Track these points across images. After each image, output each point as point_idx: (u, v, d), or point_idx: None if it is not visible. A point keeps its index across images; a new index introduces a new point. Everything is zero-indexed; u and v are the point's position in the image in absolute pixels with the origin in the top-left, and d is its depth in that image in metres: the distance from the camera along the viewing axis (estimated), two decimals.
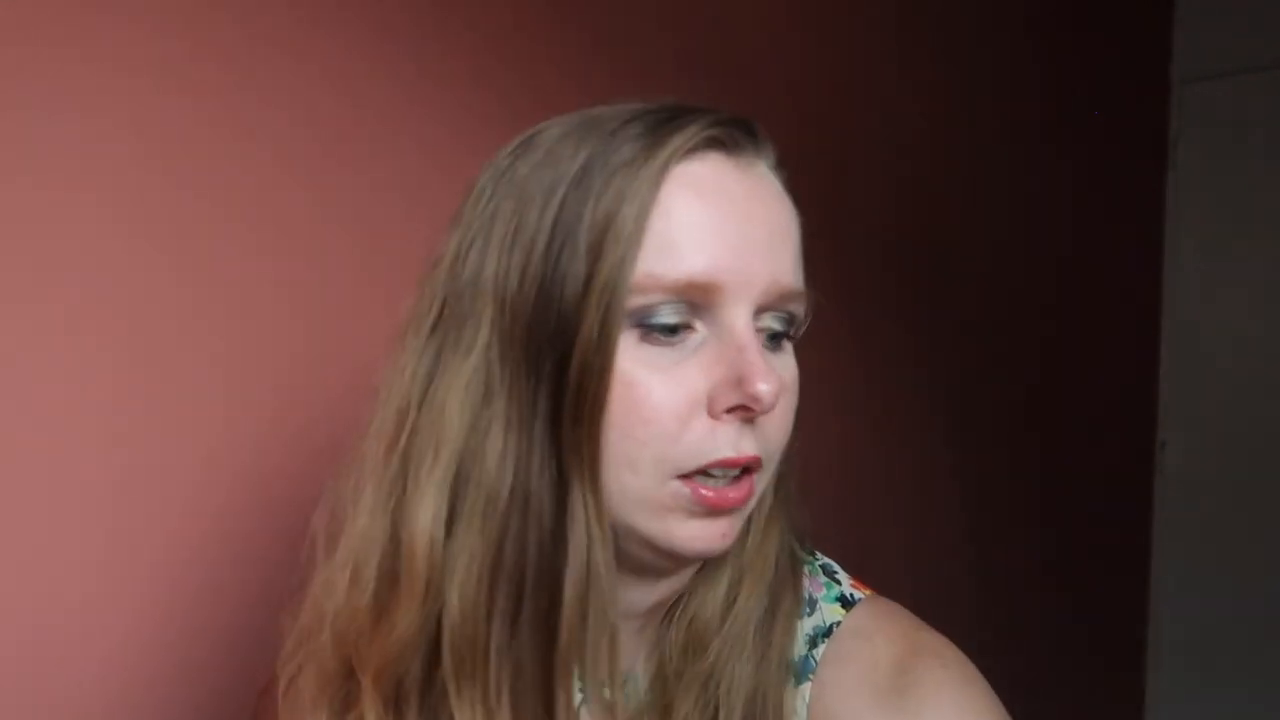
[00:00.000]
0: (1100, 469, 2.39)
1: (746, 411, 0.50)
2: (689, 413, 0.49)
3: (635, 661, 0.57)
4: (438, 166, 1.01)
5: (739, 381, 0.49)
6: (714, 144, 0.51)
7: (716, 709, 0.54)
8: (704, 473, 0.50)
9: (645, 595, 0.56)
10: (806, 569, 0.60)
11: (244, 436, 0.90)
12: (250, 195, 0.89)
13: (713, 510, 0.50)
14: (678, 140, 0.49)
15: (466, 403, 0.51)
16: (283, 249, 0.92)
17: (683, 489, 0.50)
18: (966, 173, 1.93)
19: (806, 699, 0.55)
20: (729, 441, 0.50)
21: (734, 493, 0.50)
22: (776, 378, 0.49)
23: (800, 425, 0.56)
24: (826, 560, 0.62)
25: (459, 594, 0.50)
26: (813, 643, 0.57)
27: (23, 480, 0.78)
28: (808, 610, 0.58)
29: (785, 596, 0.57)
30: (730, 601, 0.55)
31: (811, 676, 0.56)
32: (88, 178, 0.80)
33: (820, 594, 0.59)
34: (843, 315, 1.61)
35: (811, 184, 1.54)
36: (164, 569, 0.86)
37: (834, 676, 0.55)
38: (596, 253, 0.48)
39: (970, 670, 0.55)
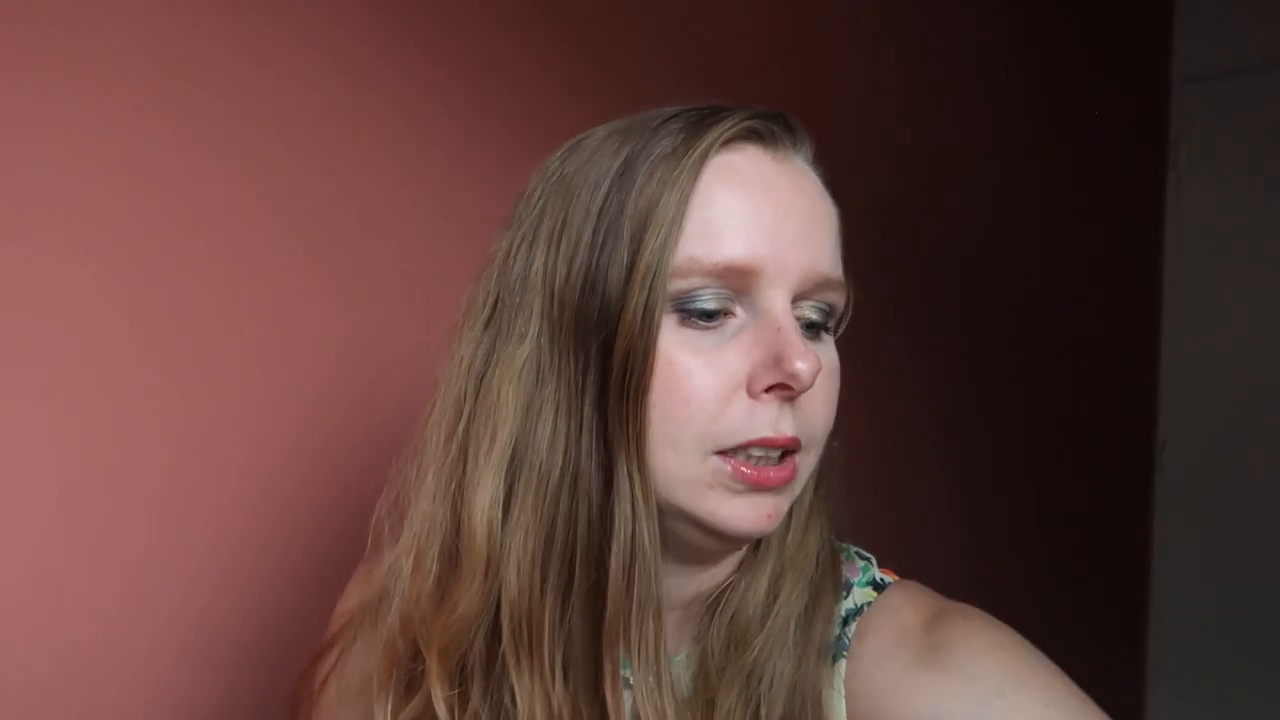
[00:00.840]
0: (1100, 469, 2.39)
1: (785, 390, 0.51)
2: (729, 393, 0.51)
3: (678, 649, 0.59)
4: (461, 169, 1.02)
5: (777, 361, 0.50)
6: (752, 136, 0.53)
7: (758, 705, 0.55)
8: (745, 452, 0.51)
9: (686, 585, 0.58)
10: (843, 555, 0.62)
11: (286, 428, 0.92)
12: (271, 185, 0.90)
13: (755, 487, 0.52)
14: (716, 132, 0.51)
15: (520, 389, 0.53)
16: (304, 235, 0.93)
17: (723, 465, 0.51)
18: (965, 173, 1.93)
19: (843, 675, 0.56)
20: (768, 421, 0.51)
21: (775, 472, 0.52)
22: (814, 357, 0.50)
23: (838, 425, 0.56)
24: (859, 548, 0.64)
25: (516, 572, 0.53)
26: (845, 623, 0.58)
27: (68, 476, 0.78)
28: (844, 594, 0.59)
29: (825, 592, 0.58)
30: (772, 598, 0.57)
31: (846, 654, 0.57)
32: (133, 174, 0.81)
33: (856, 578, 0.61)
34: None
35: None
36: (211, 556, 0.87)
37: (868, 648, 0.56)
38: (639, 238, 0.50)
39: (994, 620, 0.56)
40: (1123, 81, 2.42)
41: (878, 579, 0.61)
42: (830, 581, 0.58)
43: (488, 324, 0.56)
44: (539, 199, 0.55)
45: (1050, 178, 2.17)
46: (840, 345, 0.59)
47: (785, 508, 0.54)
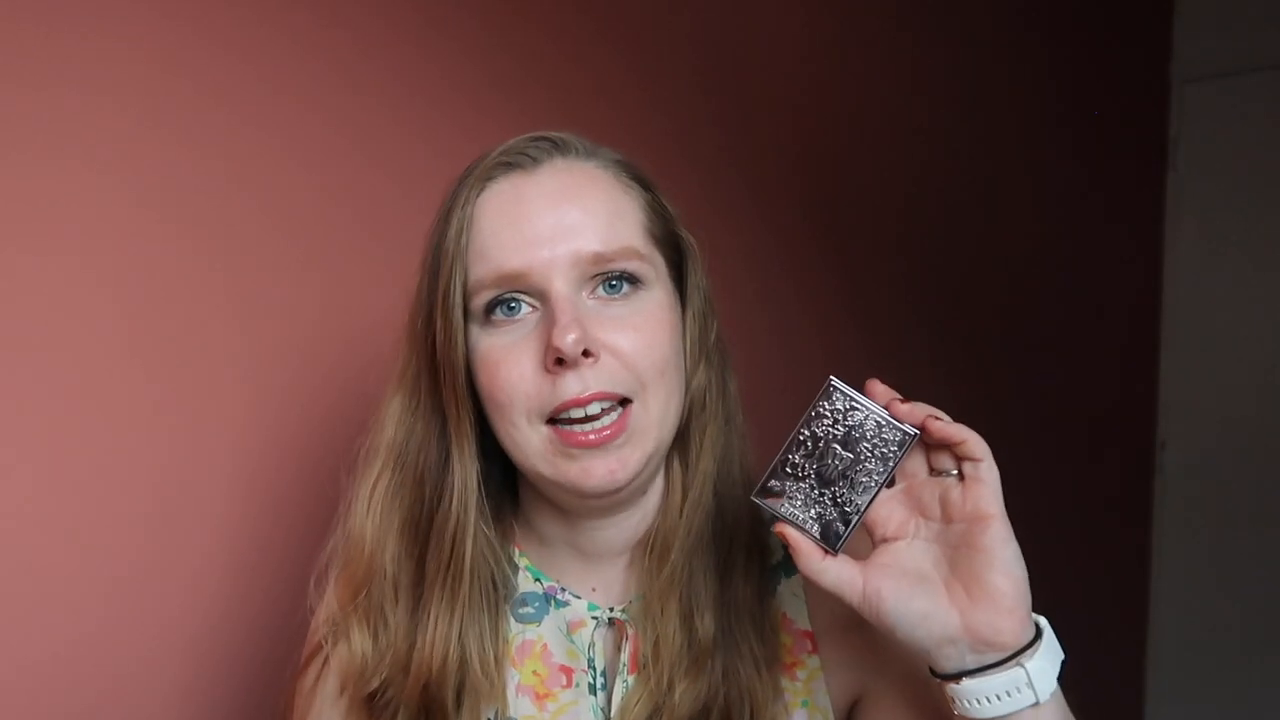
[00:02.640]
0: (1100, 469, 2.39)
1: (562, 363, 0.61)
2: (534, 372, 0.62)
3: (635, 592, 0.70)
4: (441, 156, 1.02)
5: (548, 338, 0.61)
6: (506, 167, 0.65)
7: (692, 614, 0.66)
8: (567, 417, 0.62)
9: (616, 535, 0.70)
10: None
11: (267, 412, 0.92)
12: (261, 186, 0.90)
13: (587, 448, 0.62)
14: (475, 175, 0.65)
15: (401, 416, 0.68)
16: (294, 235, 0.93)
17: (554, 434, 0.63)
18: (966, 173, 1.93)
19: (800, 582, 0.70)
20: (568, 386, 0.62)
21: (596, 434, 0.62)
22: (577, 327, 0.60)
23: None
24: None
25: (388, 548, 0.68)
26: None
27: (61, 475, 0.78)
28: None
29: (739, 525, 0.68)
30: (682, 523, 0.68)
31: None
32: (109, 170, 0.81)
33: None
34: (846, 314, 1.62)
35: (820, 184, 1.53)
36: (205, 551, 0.87)
37: None
38: (437, 273, 0.64)
39: None
40: (1123, 81, 2.42)
41: None
42: (745, 519, 0.69)
43: (399, 376, 0.69)
44: (421, 273, 0.68)
45: (1050, 177, 2.17)
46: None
47: (633, 458, 0.64)
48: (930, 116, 1.82)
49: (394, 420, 0.68)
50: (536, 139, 0.66)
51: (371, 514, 0.68)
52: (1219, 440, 2.52)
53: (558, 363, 0.61)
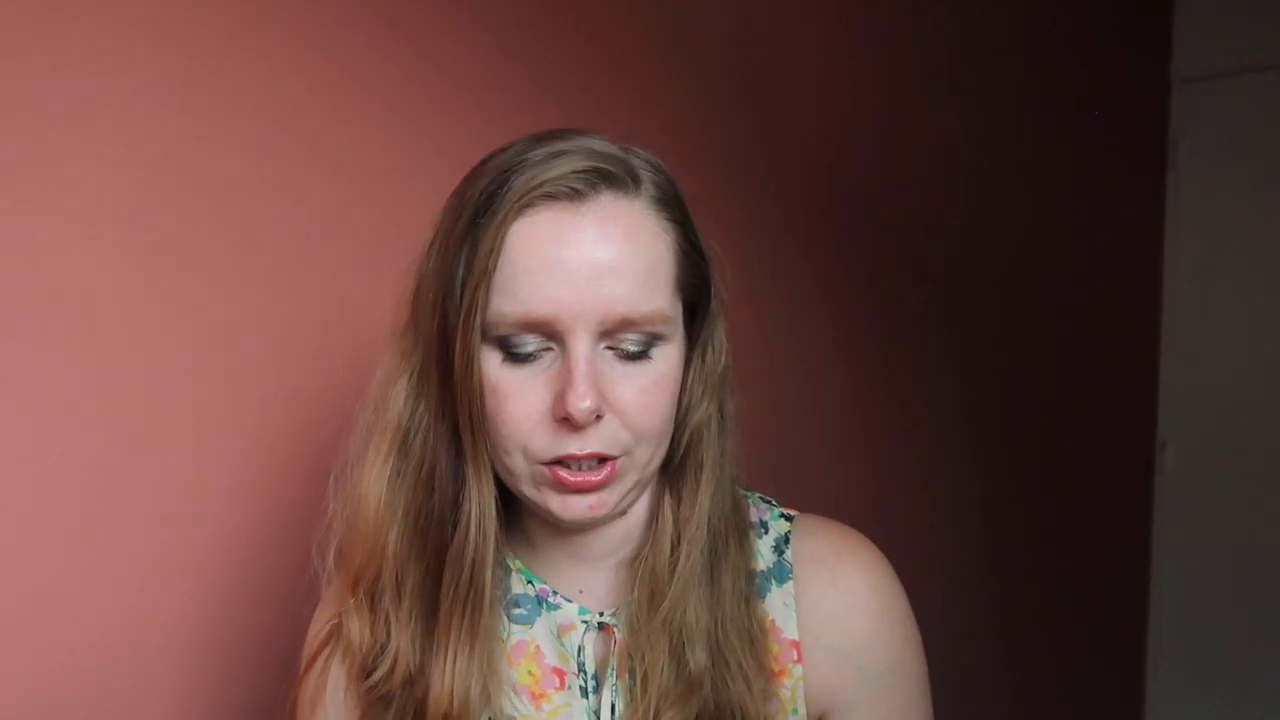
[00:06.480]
0: (1100, 469, 2.39)
1: (569, 422, 0.61)
2: (539, 418, 0.62)
3: (620, 598, 0.71)
4: (417, 174, 1.02)
5: (561, 398, 0.61)
6: (549, 199, 0.61)
7: (683, 651, 0.66)
8: (562, 462, 0.63)
9: (602, 542, 0.71)
10: (749, 501, 0.74)
11: (235, 428, 0.91)
12: (235, 199, 0.90)
13: (575, 490, 0.63)
14: (512, 194, 0.61)
15: (407, 402, 0.67)
16: (267, 251, 0.93)
17: (545, 471, 0.64)
18: (966, 173, 1.93)
19: (793, 593, 0.71)
20: (570, 442, 0.62)
21: (593, 476, 0.63)
22: (594, 394, 0.60)
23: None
24: (760, 494, 0.77)
25: (393, 529, 0.67)
26: (778, 550, 0.72)
27: (71, 478, 0.78)
28: (763, 530, 0.73)
29: (730, 546, 0.69)
30: (675, 561, 0.68)
31: (791, 576, 0.71)
32: (77, 184, 0.80)
33: (766, 515, 0.74)
34: (855, 317, 1.62)
35: (833, 180, 1.52)
36: (212, 555, 0.87)
37: (808, 572, 0.71)
38: (459, 296, 0.62)
39: (886, 571, 0.73)
40: (1123, 81, 2.42)
41: (784, 512, 0.75)
42: (734, 536, 0.70)
43: (399, 347, 0.69)
44: (431, 245, 0.66)
45: (1050, 178, 2.17)
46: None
47: (612, 499, 0.65)
48: (929, 116, 1.82)
49: (398, 403, 0.67)
50: (585, 171, 0.62)
51: (377, 485, 0.67)
52: (1219, 440, 2.52)
53: (564, 419, 0.61)
